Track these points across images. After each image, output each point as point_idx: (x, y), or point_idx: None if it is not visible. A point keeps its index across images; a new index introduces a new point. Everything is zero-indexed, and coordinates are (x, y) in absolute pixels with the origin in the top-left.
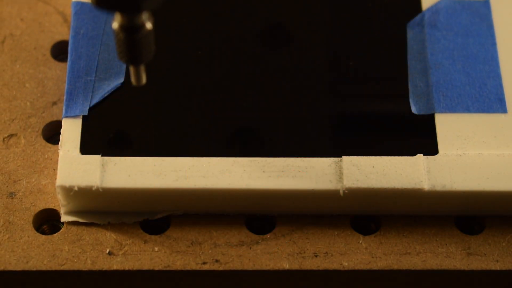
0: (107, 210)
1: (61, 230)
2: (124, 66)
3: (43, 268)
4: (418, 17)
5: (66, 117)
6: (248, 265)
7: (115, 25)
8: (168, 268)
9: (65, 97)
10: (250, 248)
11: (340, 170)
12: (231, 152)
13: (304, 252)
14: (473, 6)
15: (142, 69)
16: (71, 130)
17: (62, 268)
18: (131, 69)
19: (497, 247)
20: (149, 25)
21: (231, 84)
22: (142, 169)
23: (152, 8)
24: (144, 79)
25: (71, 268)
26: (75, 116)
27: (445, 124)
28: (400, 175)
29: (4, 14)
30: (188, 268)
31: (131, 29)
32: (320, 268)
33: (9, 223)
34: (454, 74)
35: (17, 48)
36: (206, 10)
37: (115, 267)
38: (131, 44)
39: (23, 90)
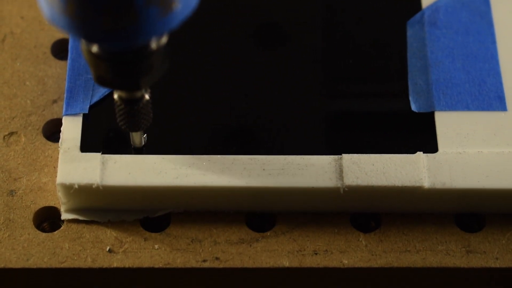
0: (107, 207)
1: (62, 227)
2: None
3: (44, 265)
4: (418, 15)
5: (67, 115)
6: (248, 263)
7: (116, 96)
8: (168, 266)
9: (65, 95)
10: (250, 245)
11: (340, 168)
12: (231, 150)
13: (304, 250)
14: (473, 4)
15: (141, 134)
16: (72, 128)
17: (62, 265)
18: (131, 135)
19: (497, 244)
20: (147, 96)
21: (231, 83)
22: (142, 166)
23: (150, 84)
24: (143, 142)
25: (72, 266)
26: (75, 114)
27: (445, 122)
28: (400, 173)
29: (5, 12)
30: (188, 265)
31: (130, 101)
32: (320, 266)
33: (10, 220)
34: (454, 72)
35: (17, 46)
36: (202, 11)
37: (115, 265)
38: (130, 114)
39: (23, 88)
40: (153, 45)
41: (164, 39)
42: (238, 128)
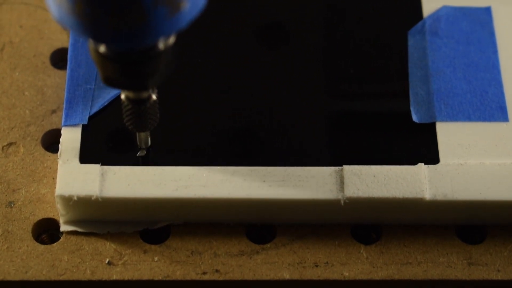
0: (106, 219)
1: (61, 239)
2: None
3: (42, 278)
4: (419, 25)
5: (66, 125)
6: (249, 275)
7: (123, 96)
8: (168, 278)
9: (64, 105)
10: (251, 258)
11: (341, 180)
12: (232, 161)
13: (305, 262)
14: (474, 13)
15: (148, 134)
16: (71, 139)
17: (61, 278)
18: (137, 135)
19: (499, 256)
20: (154, 96)
21: (231, 94)
22: (141, 178)
23: (158, 85)
24: (149, 143)
25: (71, 278)
26: (74, 125)
27: (446, 133)
28: (401, 185)
29: (4, 21)
30: (188, 278)
31: (138, 102)
32: (321, 278)
33: (8, 232)
34: (455, 82)
35: (16, 55)
36: (205, 11)
37: (114, 277)
38: (138, 114)
39: (22, 98)
40: (161, 45)
41: (171, 40)
42: (239, 132)
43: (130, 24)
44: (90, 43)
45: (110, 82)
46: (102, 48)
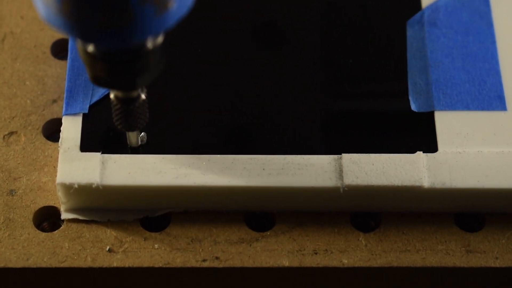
0: (107, 207)
1: (61, 227)
2: None
3: (43, 265)
4: (417, 15)
5: (66, 115)
6: (248, 262)
7: (112, 95)
8: (168, 265)
9: (65, 95)
10: (250, 245)
11: (340, 168)
12: (231, 149)
13: (304, 250)
14: (472, 3)
15: (138, 133)
16: (71, 128)
17: (62, 265)
18: (127, 134)
19: (497, 244)
20: (143, 96)
21: (230, 82)
22: (142, 166)
23: (147, 84)
24: (139, 142)
25: (71, 265)
26: (75, 114)
27: (445, 122)
28: (399, 173)
29: (4, 12)
30: (188, 265)
31: (127, 101)
32: (320, 266)
33: (10, 220)
34: (453, 72)
35: (17, 46)
36: (201, 10)
37: (115, 264)
38: (127, 114)
39: (23, 88)
40: (149, 44)
41: (160, 39)
42: (237, 127)
43: (117, 23)
44: (78, 43)
45: (99, 81)
46: (90, 48)
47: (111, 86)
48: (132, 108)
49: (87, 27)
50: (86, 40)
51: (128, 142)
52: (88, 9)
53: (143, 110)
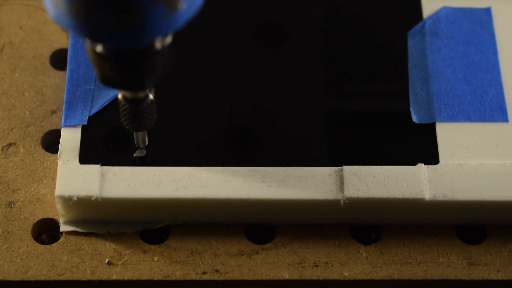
0: (106, 219)
1: (60, 239)
2: None
3: (42, 278)
4: (419, 25)
5: (66, 126)
6: (248, 275)
7: (120, 96)
8: (167, 278)
9: (64, 106)
10: (250, 257)
11: (340, 180)
12: (231, 161)
13: (305, 262)
14: (474, 14)
15: (145, 133)
16: (70, 140)
17: (61, 278)
18: (135, 134)
19: (499, 256)
20: (151, 96)
21: (230, 94)
22: (141, 179)
23: (155, 84)
24: (146, 142)
25: (70, 278)
26: (74, 126)
27: (446, 134)
28: (401, 185)
29: (3, 22)
30: (187, 278)
31: (135, 101)
32: (321, 278)
33: (8, 232)
34: (455, 83)
35: (16, 56)
36: (204, 11)
37: (114, 277)
38: (134, 114)
39: (22, 99)
40: (158, 45)
41: (168, 39)
42: (238, 132)
43: (127, 23)
44: (87, 42)
45: (107, 81)
46: (99, 48)
47: (120, 86)
48: (140, 108)
49: (96, 27)
50: (95, 40)
51: (135, 143)
52: (97, 9)
53: (151, 110)
